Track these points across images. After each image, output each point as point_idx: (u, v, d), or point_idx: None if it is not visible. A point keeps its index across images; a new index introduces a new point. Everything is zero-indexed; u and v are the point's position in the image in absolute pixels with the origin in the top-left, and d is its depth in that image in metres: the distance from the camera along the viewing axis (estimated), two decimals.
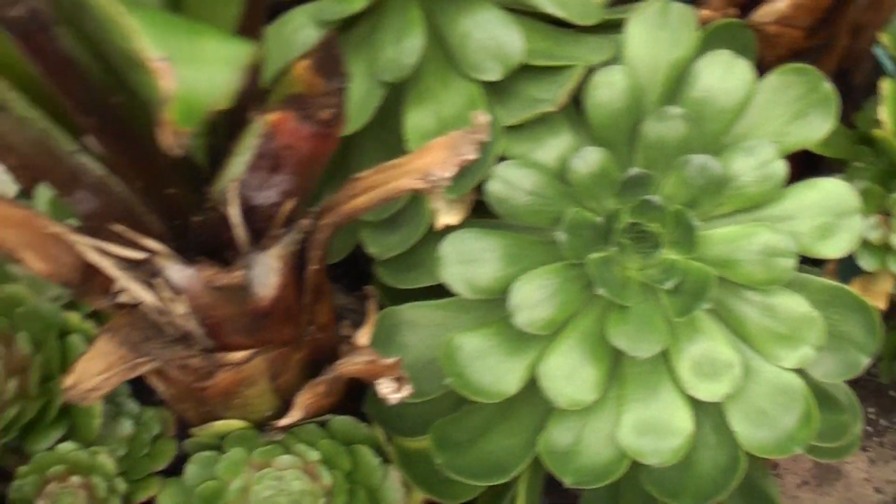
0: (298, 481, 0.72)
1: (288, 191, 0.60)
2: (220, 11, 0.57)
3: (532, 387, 0.70)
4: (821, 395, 0.72)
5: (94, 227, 0.64)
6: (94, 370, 0.64)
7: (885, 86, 0.77)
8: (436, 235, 0.73)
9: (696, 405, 0.71)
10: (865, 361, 0.72)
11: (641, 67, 0.72)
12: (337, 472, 0.73)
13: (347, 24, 0.73)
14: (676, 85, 0.72)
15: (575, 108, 0.73)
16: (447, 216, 0.71)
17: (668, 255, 0.71)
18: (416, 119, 0.72)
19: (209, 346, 0.67)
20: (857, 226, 0.72)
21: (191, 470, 0.75)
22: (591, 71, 0.71)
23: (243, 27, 0.57)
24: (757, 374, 0.72)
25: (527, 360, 0.70)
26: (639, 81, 0.71)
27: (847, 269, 0.83)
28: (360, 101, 0.73)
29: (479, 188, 0.72)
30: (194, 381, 0.70)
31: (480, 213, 0.74)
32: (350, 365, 0.68)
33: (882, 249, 0.80)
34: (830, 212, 0.71)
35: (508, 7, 0.72)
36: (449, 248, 0.69)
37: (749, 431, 0.71)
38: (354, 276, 0.87)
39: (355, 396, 0.79)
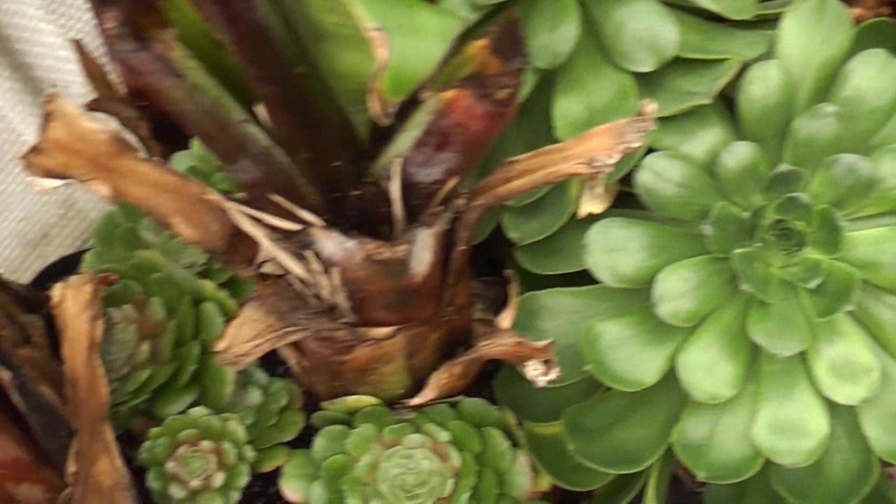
0: (427, 461, 0.73)
1: (451, 169, 0.60)
2: None
3: (666, 378, 0.70)
4: None
5: (253, 196, 0.65)
6: (245, 336, 0.65)
7: None
8: (576, 223, 0.73)
9: (831, 407, 0.71)
10: None
11: (794, 64, 0.71)
12: (466, 453, 0.73)
13: (500, 9, 0.73)
14: (828, 83, 0.72)
15: (722, 102, 0.73)
16: (591, 205, 0.71)
17: (812, 254, 0.70)
18: (564, 107, 0.72)
19: (353, 320, 0.68)
20: None
21: (319, 443, 0.76)
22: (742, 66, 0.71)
23: None
24: (893, 380, 0.71)
25: (666, 350, 0.70)
26: (792, 78, 0.71)
27: None
28: None
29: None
30: (333, 355, 0.71)
31: (619, 203, 0.75)
32: (494, 346, 0.68)
33: None
34: None
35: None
36: (595, 236, 0.69)
37: (882, 437, 0.71)
38: (482, 262, 0.87)
39: (484, 380, 0.80)
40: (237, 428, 0.76)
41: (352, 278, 0.64)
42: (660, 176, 0.69)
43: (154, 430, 0.76)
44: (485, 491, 0.73)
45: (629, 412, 0.73)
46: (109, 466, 0.72)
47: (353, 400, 0.75)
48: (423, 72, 0.44)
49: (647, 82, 0.72)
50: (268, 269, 0.69)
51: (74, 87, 1.05)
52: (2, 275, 0.84)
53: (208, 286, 0.80)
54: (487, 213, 0.69)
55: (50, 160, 0.62)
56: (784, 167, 0.70)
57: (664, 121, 0.72)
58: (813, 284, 0.70)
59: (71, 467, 0.72)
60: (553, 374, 0.66)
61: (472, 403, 0.75)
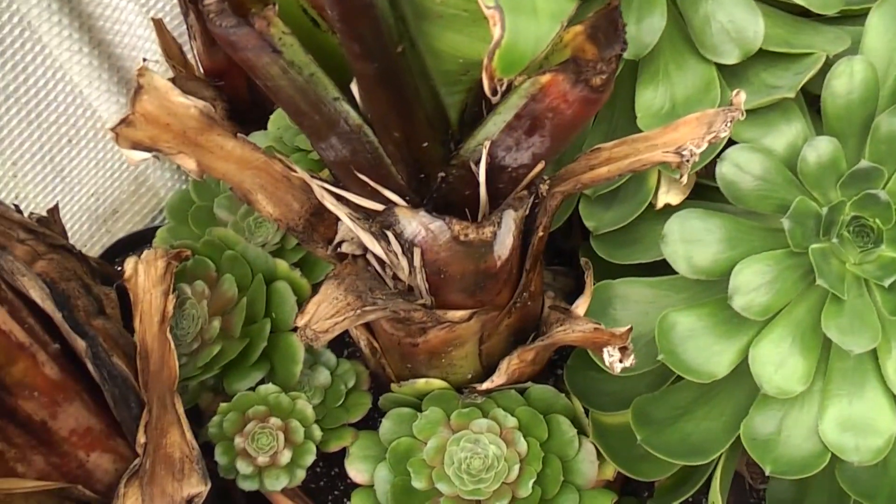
0: (494, 446, 0.73)
1: (540, 154, 0.61)
2: None
3: (736, 371, 0.71)
4: None
5: (338, 175, 0.66)
6: (324, 313, 0.65)
7: None
8: (651, 214, 0.74)
9: None
10: None
11: (879, 60, 0.71)
12: (532, 439, 0.73)
13: None
14: None
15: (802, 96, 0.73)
16: (669, 196, 0.72)
17: (888, 252, 0.70)
18: (647, 97, 0.72)
19: (429, 302, 0.68)
20: None
21: (387, 425, 0.76)
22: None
23: None
24: None
25: (738, 343, 0.70)
26: (876, 74, 0.71)
27: None
28: None
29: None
30: (406, 336, 0.71)
31: (693, 196, 0.75)
32: (570, 332, 0.69)
33: None
34: None
35: None
36: (674, 227, 0.70)
37: None
38: (551, 252, 0.88)
39: (551, 369, 0.80)
40: (306, 406, 0.77)
41: (433, 259, 0.64)
42: (741, 168, 0.70)
43: (224, 406, 0.77)
44: (550, 477, 0.73)
45: (697, 404, 0.73)
46: (180, 439, 0.72)
47: (422, 383, 0.75)
48: (534, 51, 0.44)
49: (731, 75, 0.72)
50: (346, 248, 0.70)
51: (151, 66, 1.06)
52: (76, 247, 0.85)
53: (282, 265, 0.81)
54: (567, 201, 0.69)
55: (139, 132, 0.63)
56: (864, 164, 0.70)
57: (746, 113, 0.72)
58: (887, 282, 0.70)
59: (141, 438, 0.72)
60: (629, 362, 0.66)
61: (540, 390, 0.75)
